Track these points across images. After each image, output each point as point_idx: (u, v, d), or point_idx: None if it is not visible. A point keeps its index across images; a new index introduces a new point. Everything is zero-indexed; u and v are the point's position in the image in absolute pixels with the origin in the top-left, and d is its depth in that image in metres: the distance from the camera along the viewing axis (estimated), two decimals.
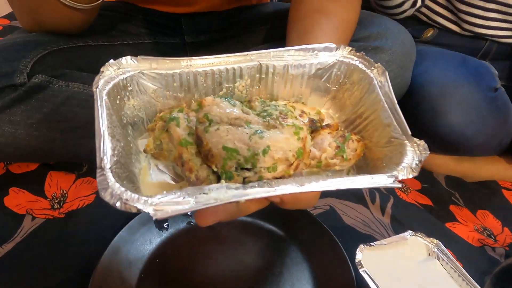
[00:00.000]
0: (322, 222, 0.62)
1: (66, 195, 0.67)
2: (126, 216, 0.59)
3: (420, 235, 0.60)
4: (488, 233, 0.76)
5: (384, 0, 0.81)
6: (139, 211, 0.26)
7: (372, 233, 0.68)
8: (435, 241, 0.60)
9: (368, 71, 0.40)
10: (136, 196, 0.27)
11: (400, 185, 0.32)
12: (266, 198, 0.32)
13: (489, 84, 0.74)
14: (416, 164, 0.34)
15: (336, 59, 0.41)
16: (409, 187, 0.83)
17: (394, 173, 0.33)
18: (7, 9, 1.26)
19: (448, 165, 0.89)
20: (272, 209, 0.36)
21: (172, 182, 0.37)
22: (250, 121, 0.34)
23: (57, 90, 0.58)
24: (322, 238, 0.61)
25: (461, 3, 0.82)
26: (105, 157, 0.28)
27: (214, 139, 0.33)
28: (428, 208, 0.78)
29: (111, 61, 0.36)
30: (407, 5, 0.81)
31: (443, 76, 0.73)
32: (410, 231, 0.60)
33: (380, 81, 0.39)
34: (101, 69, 0.35)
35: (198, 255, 0.59)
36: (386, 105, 0.37)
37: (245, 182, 0.34)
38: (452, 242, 0.70)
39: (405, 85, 0.74)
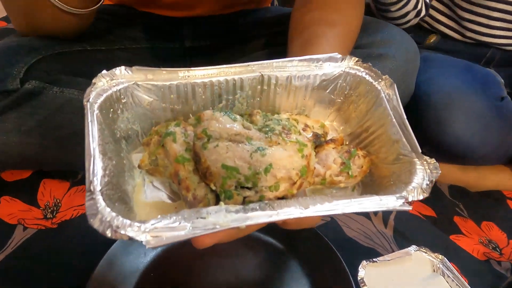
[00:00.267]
0: (323, 235, 0.60)
1: (60, 204, 0.65)
2: None
3: (424, 250, 0.58)
4: (494, 246, 0.74)
5: (388, 12, 0.79)
6: (131, 239, 0.24)
7: (374, 246, 0.66)
8: (440, 256, 0.58)
9: (375, 83, 0.38)
10: (128, 221, 0.25)
11: (410, 208, 0.30)
12: None
13: (495, 93, 0.73)
14: (427, 184, 0.32)
15: (341, 70, 0.39)
16: None
17: (404, 193, 0.31)
18: (3, 12, 1.24)
19: (452, 174, 0.87)
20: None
21: (168, 201, 0.35)
22: (251, 137, 0.32)
23: (51, 96, 0.56)
24: (323, 252, 0.58)
25: (465, 11, 0.80)
26: (95, 179, 0.26)
27: (213, 157, 0.31)
28: (431, 220, 0.76)
29: (104, 71, 0.34)
30: (411, 15, 0.79)
31: (448, 85, 0.71)
32: (414, 246, 0.58)
33: (388, 94, 0.37)
34: (93, 81, 0.33)
35: (194, 268, 0.57)
36: (394, 120, 0.35)
37: (245, 201, 0.32)
38: (457, 256, 0.68)
39: (409, 93, 0.72)
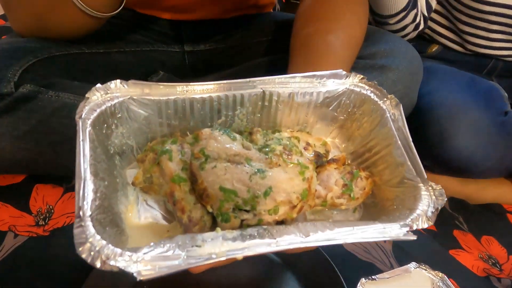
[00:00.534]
0: (321, 249, 0.59)
1: (52, 211, 0.63)
2: None
3: (424, 267, 0.57)
4: (493, 261, 0.73)
5: (387, 25, 0.79)
6: (121, 271, 0.23)
7: (373, 261, 0.65)
8: (440, 274, 0.56)
9: (380, 102, 0.37)
10: (119, 250, 0.24)
11: (415, 237, 0.29)
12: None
13: (499, 108, 0.71)
14: (432, 212, 0.31)
15: (346, 88, 0.38)
16: None
17: (408, 221, 0.30)
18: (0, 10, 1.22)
19: (452, 186, 0.86)
20: None
21: (162, 221, 0.33)
22: (251, 158, 0.31)
23: (46, 100, 0.55)
24: (321, 267, 0.57)
25: (464, 24, 0.80)
26: (85, 203, 0.25)
27: (211, 178, 0.30)
28: (431, 233, 0.75)
29: (98, 85, 0.32)
30: (409, 29, 0.79)
31: (451, 98, 0.70)
32: (413, 263, 0.57)
33: (394, 114, 0.36)
34: (87, 95, 0.31)
35: (188, 281, 0.55)
36: (399, 142, 0.34)
37: (242, 225, 0.31)
38: (456, 272, 0.67)
39: (411, 105, 0.71)
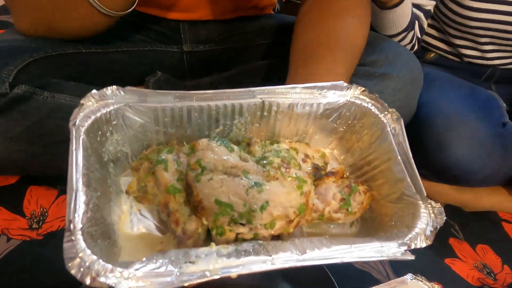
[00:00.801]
0: None
1: (46, 214, 0.62)
2: None
3: (420, 279, 0.56)
4: (488, 271, 0.73)
5: None
6: None
7: (369, 269, 0.65)
8: (436, 286, 0.56)
9: (381, 115, 0.36)
10: (109, 266, 0.23)
11: (413, 257, 0.29)
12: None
13: (497, 119, 0.71)
14: (431, 231, 0.30)
15: (346, 100, 0.37)
16: None
17: (406, 240, 0.30)
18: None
19: (447, 193, 0.86)
20: None
21: (155, 232, 0.33)
22: (248, 170, 0.30)
23: (41, 101, 0.54)
24: (316, 276, 0.57)
25: (455, 38, 0.80)
26: (76, 215, 0.24)
27: (206, 190, 0.29)
28: None
29: (94, 91, 0.31)
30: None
31: (450, 108, 0.70)
32: (410, 275, 0.56)
33: (394, 128, 0.35)
34: (81, 101, 0.31)
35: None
36: (399, 158, 0.34)
37: (238, 238, 0.30)
38: (452, 282, 0.67)
39: (411, 114, 0.71)
